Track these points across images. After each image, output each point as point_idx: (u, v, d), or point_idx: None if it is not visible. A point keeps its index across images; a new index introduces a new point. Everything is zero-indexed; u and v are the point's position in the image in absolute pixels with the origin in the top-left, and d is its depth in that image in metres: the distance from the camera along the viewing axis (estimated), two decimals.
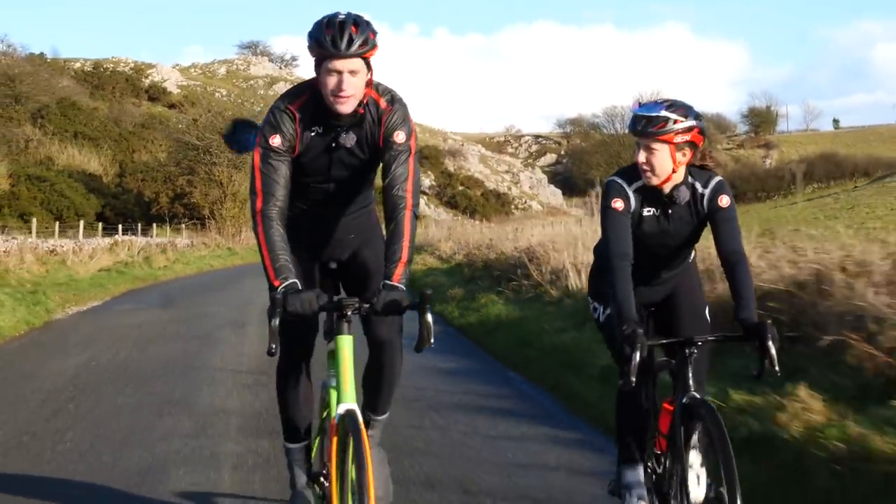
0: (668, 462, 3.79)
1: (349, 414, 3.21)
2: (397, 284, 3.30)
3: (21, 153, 45.72)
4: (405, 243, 3.36)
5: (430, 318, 3.24)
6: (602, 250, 3.95)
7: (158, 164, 46.46)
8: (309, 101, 3.48)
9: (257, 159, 3.47)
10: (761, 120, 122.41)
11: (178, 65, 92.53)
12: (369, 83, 3.46)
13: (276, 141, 3.45)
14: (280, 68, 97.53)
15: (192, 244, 34.29)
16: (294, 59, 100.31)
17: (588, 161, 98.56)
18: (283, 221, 3.42)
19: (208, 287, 20.53)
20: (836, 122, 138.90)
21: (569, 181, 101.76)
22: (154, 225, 36.40)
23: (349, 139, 3.51)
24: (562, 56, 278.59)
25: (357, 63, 3.34)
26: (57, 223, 26.90)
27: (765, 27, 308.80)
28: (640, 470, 3.94)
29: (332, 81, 3.35)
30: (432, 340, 3.24)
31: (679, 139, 3.59)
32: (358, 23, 3.34)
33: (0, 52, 67.76)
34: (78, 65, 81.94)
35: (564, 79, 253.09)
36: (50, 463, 5.40)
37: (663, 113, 3.58)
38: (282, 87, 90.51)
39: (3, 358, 9.79)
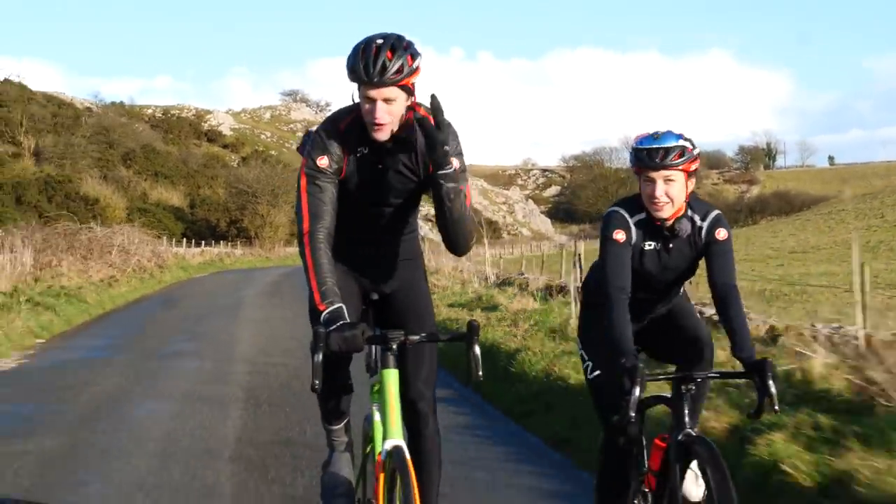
0: (657, 500, 3.85)
1: (396, 450, 3.28)
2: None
3: (126, 191, 70.18)
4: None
5: (477, 350, 3.34)
6: (596, 284, 4.07)
7: (220, 200, 70.86)
8: (354, 121, 3.55)
9: (303, 182, 3.54)
10: (751, 157, 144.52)
11: (230, 110, 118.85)
12: (412, 106, 3.51)
13: (323, 162, 3.53)
14: (316, 113, 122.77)
15: (243, 253, 58.64)
16: (328, 104, 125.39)
17: (579, 195, 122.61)
18: (331, 244, 3.51)
19: (254, 270, 44.81)
20: (831, 158, 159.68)
21: (569, 211, 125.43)
22: (222, 242, 60.56)
23: (395, 161, 3.59)
24: (605, 82, 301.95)
25: (392, 91, 3.39)
26: (174, 239, 51.00)
27: (810, 55, 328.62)
28: None
29: (366, 108, 3.43)
30: (481, 373, 3.34)
31: (692, 168, 3.79)
32: (395, 48, 3.36)
33: (98, 107, 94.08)
34: (150, 111, 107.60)
35: (608, 104, 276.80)
36: (226, 280, 29.57)
37: (680, 142, 3.75)
38: None
39: (192, 280, 34.02)
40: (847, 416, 5.26)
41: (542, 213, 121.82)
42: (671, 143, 3.73)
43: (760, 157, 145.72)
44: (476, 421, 7.91)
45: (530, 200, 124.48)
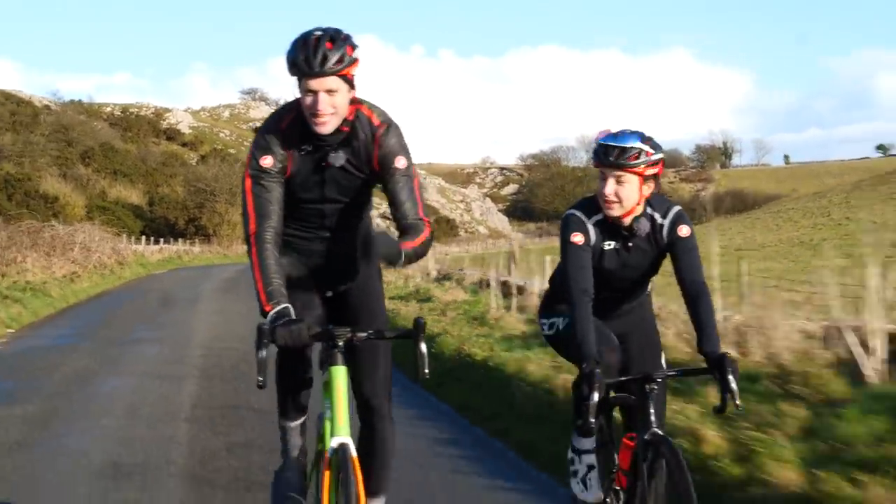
0: (629, 498, 3.91)
1: (342, 447, 3.34)
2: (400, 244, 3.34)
3: (85, 189, 70.60)
4: (417, 241, 3.45)
5: (424, 347, 3.40)
6: (560, 283, 4.10)
7: (178, 199, 71.73)
8: (295, 119, 3.55)
9: (248, 183, 3.56)
10: (708, 156, 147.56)
11: (189, 108, 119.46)
12: (353, 100, 3.54)
13: (267, 162, 3.53)
14: None
15: (201, 251, 59.64)
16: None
17: (536, 193, 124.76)
18: (278, 244, 3.53)
19: (212, 267, 45.88)
20: (786, 157, 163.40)
21: (527, 210, 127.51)
22: (180, 239, 61.50)
23: (338, 158, 3.58)
24: (567, 80, 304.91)
25: (333, 82, 3.40)
26: (133, 237, 51.90)
27: (770, 56, 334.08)
28: (594, 440, 4.20)
29: (308, 101, 3.41)
30: (427, 370, 3.41)
31: (649, 172, 3.78)
32: (334, 39, 3.38)
33: (56, 105, 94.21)
34: (109, 109, 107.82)
35: (568, 103, 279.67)
36: (174, 279, 30.77)
37: (638, 144, 3.75)
38: None
39: (151, 276, 35.17)
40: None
41: (499, 211, 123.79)
42: (629, 144, 3.76)
43: (717, 155, 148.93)
44: (394, 391, 9.30)
45: (488, 199, 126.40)
